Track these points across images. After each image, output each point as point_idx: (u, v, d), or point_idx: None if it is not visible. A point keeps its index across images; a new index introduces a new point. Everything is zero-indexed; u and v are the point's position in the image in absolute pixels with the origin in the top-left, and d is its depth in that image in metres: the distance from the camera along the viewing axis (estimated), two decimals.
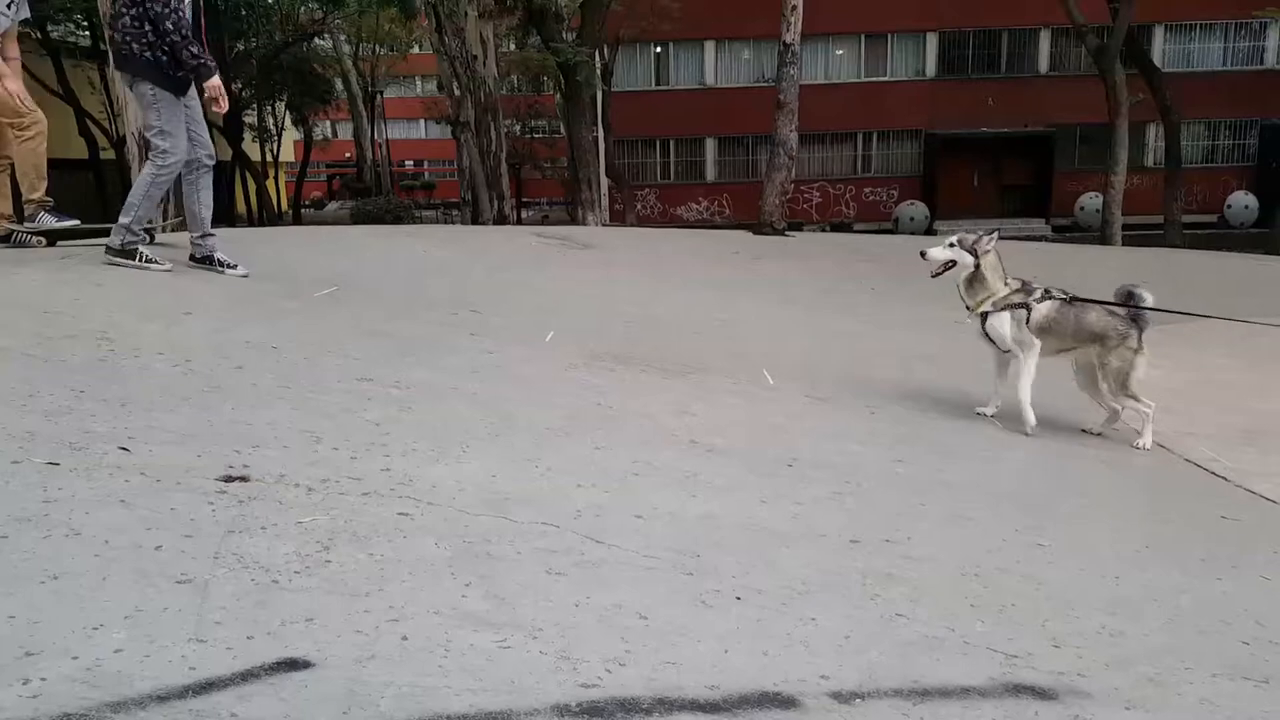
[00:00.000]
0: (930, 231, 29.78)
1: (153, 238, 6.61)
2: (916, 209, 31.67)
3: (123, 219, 5.53)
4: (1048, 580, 2.99)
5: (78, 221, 6.16)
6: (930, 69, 32.60)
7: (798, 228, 22.63)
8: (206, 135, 5.73)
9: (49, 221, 5.84)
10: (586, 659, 2.02)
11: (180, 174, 5.61)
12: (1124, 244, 21.20)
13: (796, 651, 2.21)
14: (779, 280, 10.99)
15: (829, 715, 1.94)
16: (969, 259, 5.23)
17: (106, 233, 6.56)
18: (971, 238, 5.30)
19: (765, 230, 15.52)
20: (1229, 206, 31.04)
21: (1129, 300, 5.32)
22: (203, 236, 5.85)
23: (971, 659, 2.30)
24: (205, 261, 5.82)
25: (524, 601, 2.25)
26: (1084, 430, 5.45)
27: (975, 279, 5.27)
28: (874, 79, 32.58)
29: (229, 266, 5.84)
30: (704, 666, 2.07)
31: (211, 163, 5.77)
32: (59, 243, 6.24)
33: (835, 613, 2.46)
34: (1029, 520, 3.67)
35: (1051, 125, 31.55)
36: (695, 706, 1.90)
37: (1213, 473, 5.01)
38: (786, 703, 1.97)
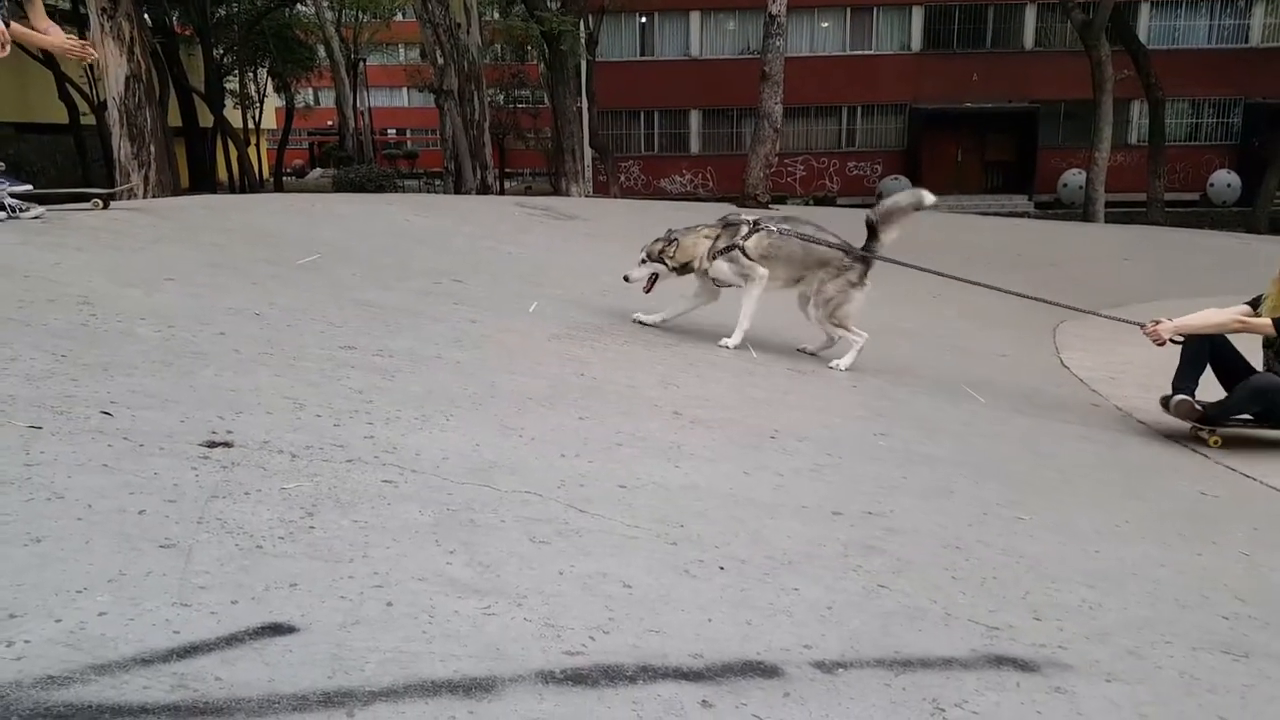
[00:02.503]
0: None
1: (107, 203, 6.52)
2: (900, 184, 31.68)
3: None
4: (1029, 553, 3.02)
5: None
6: (915, 43, 32.52)
7: (781, 201, 22.64)
8: None
9: None
10: (571, 626, 2.02)
11: None
12: (1107, 221, 21.33)
13: (779, 621, 2.22)
14: None
15: (812, 684, 1.95)
16: (663, 266, 5.58)
17: (84, 198, 6.50)
18: (658, 246, 5.58)
19: (749, 203, 15.55)
20: (1211, 185, 31.24)
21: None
22: None
23: (953, 630, 2.32)
24: None
25: (508, 569, 2.25)
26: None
27: (680, 263, 5.57)
28: (859, 52, 32.48)
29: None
30: (688, 635, 2.08)
31: None
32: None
33: (818, 583, 2.47)
34: (1010, 494, 3.70)
35: (1036, 101, 31.60)
36: (679, 674, 1.90)
37: (1192, 449, 5.06)
38: (769, 671, 1.98)
